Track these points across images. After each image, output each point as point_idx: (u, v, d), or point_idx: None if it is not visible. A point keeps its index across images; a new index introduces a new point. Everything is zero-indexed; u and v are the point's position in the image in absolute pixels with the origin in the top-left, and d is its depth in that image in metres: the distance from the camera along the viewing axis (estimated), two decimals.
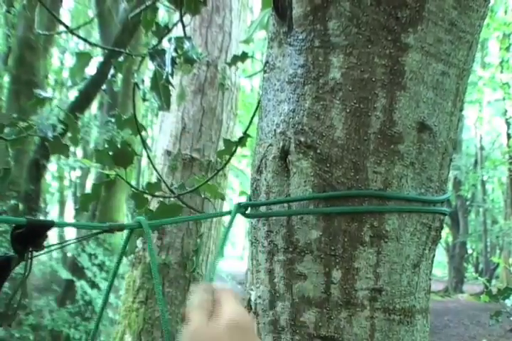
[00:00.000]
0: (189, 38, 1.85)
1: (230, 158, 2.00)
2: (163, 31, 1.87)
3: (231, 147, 1.90)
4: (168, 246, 3.36)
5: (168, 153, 3.48)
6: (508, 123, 14.34)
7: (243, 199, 0.96)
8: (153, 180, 3.28)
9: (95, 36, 11.23)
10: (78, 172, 14.60)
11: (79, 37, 2.26)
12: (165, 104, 1.78)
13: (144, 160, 12.12)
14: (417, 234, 0.86)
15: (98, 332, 6.67)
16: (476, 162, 16.82)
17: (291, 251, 0.85)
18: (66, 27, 2.09)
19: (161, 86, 1.74)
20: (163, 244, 3.36)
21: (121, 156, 1.67)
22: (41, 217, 6.73)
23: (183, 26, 1.90)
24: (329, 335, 0.82)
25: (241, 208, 0.93)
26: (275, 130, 0.89)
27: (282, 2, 0.91)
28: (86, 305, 7.00)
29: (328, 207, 0.83)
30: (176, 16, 3.30)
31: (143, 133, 1.84)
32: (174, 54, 1.76)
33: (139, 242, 3.18)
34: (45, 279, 8.41)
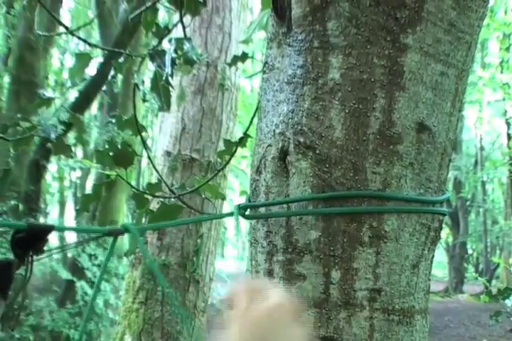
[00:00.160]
0: (189, 39, 1.85)
1: (230, 159, 2.01)
2: (163, 32, 1.88)
3: (231, 147, 1.90)
4: (168, 247, 3.36)
5: (167, 153, 3.48)
6: (508, 124, 14.34)
7: (244, 200, 0.97)
8: (153, 180, 3.28)
9: (95, 37, 11.23)
10: (78, 173, 14.60)
11: (79, 38, 2.26)
12: (165, 105, 1.78)
13: (144, 161, 12.12)
14: (416, 235, 0.86)
15: (98, 333, 6.66)
16: (476, 162, 16.81)
17: (291, 251, 0.85)
18: (66, 28, 2.09)
19: (161, 87, 1.74)
20: (162, 244, 3.35)
21: (122, 157, 1.68)
22: (41, 218, 6.73)
23: (183, 27, 1.90)
24: (328, 335, 0.82)
25: (240, 209, 0.93)
26: (274, 130, 0.90)
27: (281, 3, 0.91)
28: (86, 306, 6.99)
29: (327, 207, 0.83)
30: (176, 17, 3.30)
31: (143, 133, 1.84)
32: (174, 55, 1.76)
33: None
34: (45, 279, 8.41)
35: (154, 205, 2.26)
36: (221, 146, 3.30)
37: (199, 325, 3.46)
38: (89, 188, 13.14)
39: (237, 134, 3.90)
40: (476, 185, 15.52)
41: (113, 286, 7.29)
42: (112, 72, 1.95)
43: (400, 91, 0.83)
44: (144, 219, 1.77)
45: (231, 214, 0.94)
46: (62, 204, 15.64)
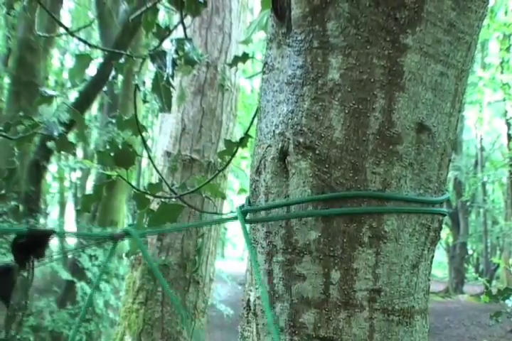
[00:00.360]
0: (190, 40, 1.85)
1: (230, 159, 2.01)
2: (163, 33, 1.88)
3: (232, 147, 1.90)
4: (168, 247, 3.36)
5: (167, 154, 3.48)
6: (508, 124, 14.34)
7: (242, 198, 0.96)
8: (154, 181, 3.28)
9: (95, 37, 11.24)
10: (78, 174, 14.61)
11: (79, 39, 2.26)
12: (166, 106, 1.78)
13: (144, 162, 12.13)
14: (415, 235, 0.86)
15: (98, 334, 6.66)
16: (476, 163, 16.82)
17: (290, 251, 0.85)
18: (66, 29, 2.09)
19: (162, 87, 1.74)
20: (162, 244, 3.36)
21: (123, 157, 1.68)
22: (41, 219, 6.73)
23: (184, 28, 1.90)
24: (328, 336, 0.82)
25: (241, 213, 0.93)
26: (274, 131, 0.90)
27: (281, 3, 0.91)
28: (87, 307, 6.98)
29: (326, 207, 0.83)
30: (176, 18, 3.30)
31: (143, 133, 1.84)
32: (175, 55, 1.76)
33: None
34: (46, 280, 8.41)
35: (154, 206, 2.26)
36: (221, 147, 3.31)
37: (199, 326, 3.46)
38: (89, 189, 13.16)
39: (237, 135, 3.91)
40: (476, 187, 15.51)
41: (113, 287, 7.29)
42: (113, 73, 1.95)
43: (399, 92, 0.83)
44: (144, 219, 1.77)
45: (234, 218, 0.94)
46: (62, 204, 15.65)
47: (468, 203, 16.86)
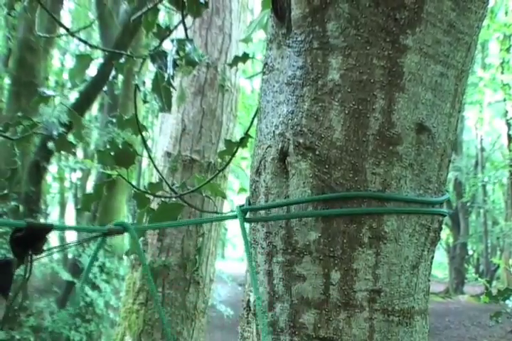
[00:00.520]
0: (191, 40, 1.86)
1: (231, 159, 2.01)
2: (164, 33, 1.88)
3: (232, 148, 1.90)
4: (168, 248, 3.36)
5: (168, 154, 3.48)
6: (508, 125, 14.34)
7: (243, 197, 0.96)
8: (154, 181, 3.28)
9: (96, 38, 11.24)
10: (79, 174, 14.61)
11: (79, 39, 2.26)
12: (166, 106, 1.78)
13: (144, 162, 12.13)
14: (415, 235, 0.86)
15: (99, 334, 6.66)
16: (476, 163, 16.82)
17: (290, 252, 0.85)
18: (66, 29, 2.09)
19: (162, 88, 1.74)
20: (163, 245, 3.36)
21: (123, 156, 1.68)
22: (42, 219, 6.73)
23: (185, 28, 1.90)
24: (328, 336, 0.82)
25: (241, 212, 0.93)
26: (274, 131, 0.90)
27: (281, 4, 0.91)
28: (86, 307, 6.99)
29: (326, 208, 0.83)
30: (176, 18, 3.30)
31: (144, 133, 1.85)
32: (176, 56, 1.76)
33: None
34: (46, 280, 8.41)
35: (154, 206, 2.26)
36: (221, 147, 3.31)
37: (199, 326, 3.46)
38: (89, 189, 13.16)
39: (237, 135, 3.91)
40: (476, 187, 15.50)
41: (113, 287, 7.29)
42: (113, 73, 1.95)
43: (399, 92, 0.83)
44: (144, 219, 1.77)
45: (234, 216, 0.94)
46: (62, 205, 15.64)
47: (468, 204, 16.85)
